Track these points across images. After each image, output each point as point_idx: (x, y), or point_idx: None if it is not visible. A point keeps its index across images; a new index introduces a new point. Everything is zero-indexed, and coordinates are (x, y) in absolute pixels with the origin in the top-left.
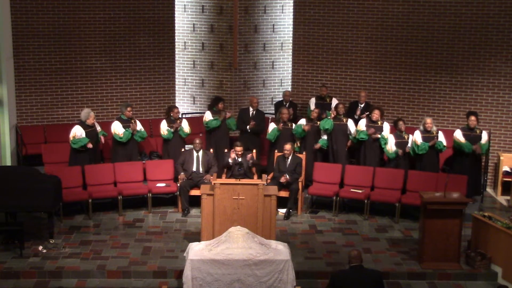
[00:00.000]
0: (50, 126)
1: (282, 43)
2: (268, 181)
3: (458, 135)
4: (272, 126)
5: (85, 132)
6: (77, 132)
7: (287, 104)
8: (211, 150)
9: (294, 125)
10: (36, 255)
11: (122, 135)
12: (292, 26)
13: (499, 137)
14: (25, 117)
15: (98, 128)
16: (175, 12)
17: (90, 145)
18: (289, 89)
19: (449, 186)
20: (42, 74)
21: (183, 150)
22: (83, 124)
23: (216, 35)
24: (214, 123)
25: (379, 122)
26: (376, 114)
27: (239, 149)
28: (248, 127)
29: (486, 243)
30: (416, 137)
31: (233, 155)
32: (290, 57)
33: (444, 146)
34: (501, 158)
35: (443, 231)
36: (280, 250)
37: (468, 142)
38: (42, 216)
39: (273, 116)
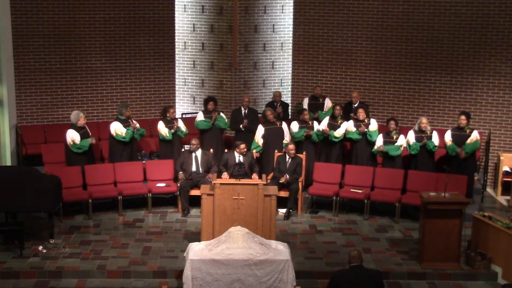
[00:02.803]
0: (50, 126)
1: (282, 43)
2: (268, 181)
3: (447, 136)
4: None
5: (79, 135)
6: (74, 136)
7: (278, 104)
8: (211, 150)
9: (283, 123)
10: (36, 255)
11: (125, 135)
12: (292, 26)
13: (499, 137)
14: (25, 117)
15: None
16: (175, 12)
17: (93, 141)
18: (289, 89)
19: (449, 186)
20: (42, 74)
21: (182, 150)
22: (75, 127)
23: (216, 35)
24: (203, 124)
25: (366, 120)
26: (361, 113)
27: (242, 146)
28: (241, 126)
29: (486, 243)
30: (409, 137)
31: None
32: (290, 57)
33: (435, 146)
34: (501, 158)
35: (443, 231)
36: (280, 250)
37: (453, 145)
38: (42, 216)
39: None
